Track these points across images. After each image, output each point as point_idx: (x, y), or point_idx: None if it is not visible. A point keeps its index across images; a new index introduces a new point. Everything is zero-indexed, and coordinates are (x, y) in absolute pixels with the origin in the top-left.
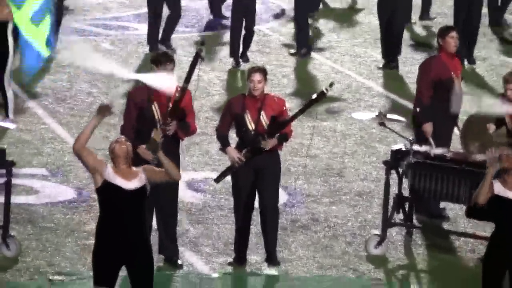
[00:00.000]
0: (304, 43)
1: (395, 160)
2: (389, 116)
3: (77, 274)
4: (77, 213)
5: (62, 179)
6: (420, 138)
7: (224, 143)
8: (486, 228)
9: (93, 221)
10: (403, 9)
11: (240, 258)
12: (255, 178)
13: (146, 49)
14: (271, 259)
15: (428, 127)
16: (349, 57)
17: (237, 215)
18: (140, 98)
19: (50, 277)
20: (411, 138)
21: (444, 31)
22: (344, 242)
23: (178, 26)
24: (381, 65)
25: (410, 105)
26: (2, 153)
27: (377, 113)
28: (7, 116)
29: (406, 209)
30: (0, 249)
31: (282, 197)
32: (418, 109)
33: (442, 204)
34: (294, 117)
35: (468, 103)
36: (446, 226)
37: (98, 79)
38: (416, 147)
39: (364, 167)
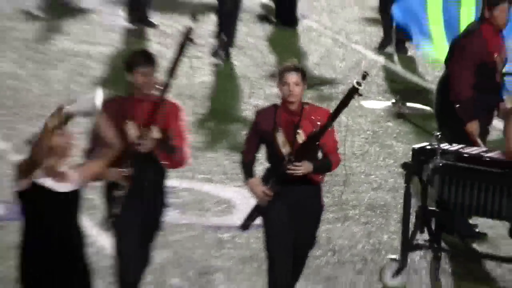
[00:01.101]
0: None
1: (417, 162)
2: (409, 104)
3: None
4: (5, 235)
5: None
6: (454, 138)
7: (247, 173)
8: None
9: None
10: None
11: None
12: (290, 216)
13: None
14: None
15: (474, 126)
16: (355, 27)
17: (273, 258)
18: (112, 113)
19: None
20: (438, 133)
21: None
22: (352, 270)
23: None
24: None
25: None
26: None
27: (394, 101)
28: None
29: (433, 227)
30: None
31: None
32: (457, 105)
33: (480, 221)
34: (325, 127)
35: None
36: (484, 249)
37: (29, 57)
38: (445, 146)
39: (378, 172)
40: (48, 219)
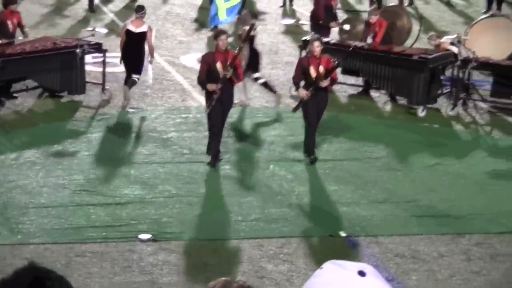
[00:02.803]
0: None
1: (304, 44)
2: (301, 22)
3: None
4: None
5: None
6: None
7: (297, 86)
8: None
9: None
10: None
11: (312, 155)
12: (317, 105)
13: None
14: (314, 155)
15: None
16: None
17: (310, 125)
18: (209, 60)
19: (127, 109)
20: (313, 33)
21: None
22: (279, 89)
23: None
24: None
25: None
26: (100, 44)
27: (294, 21)
28: None
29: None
30: (101, 96)
31: None
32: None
33: None
34: (335, 67)
35: None
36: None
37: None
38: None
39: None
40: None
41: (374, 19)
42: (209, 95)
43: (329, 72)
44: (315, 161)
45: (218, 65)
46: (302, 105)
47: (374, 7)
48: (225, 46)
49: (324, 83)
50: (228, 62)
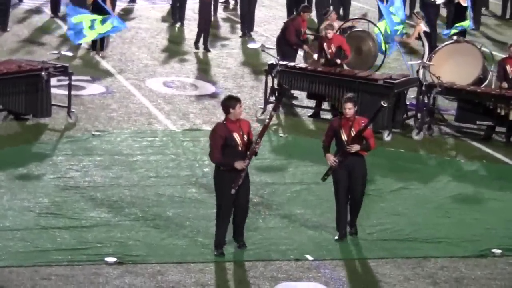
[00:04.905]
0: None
1: (270, 68)
2: (267, 46)
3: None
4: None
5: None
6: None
7: (326, 151)
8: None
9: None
10: None
11: (342, 232)
12: (348, 177)
13: None
14: (354, 228)
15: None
16: None
17: (338, 200)
18: (223, 132)
19: (93, 133)
20: (278, 57)
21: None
22: (245, 113)
23: None
24: None
25: None
26: (65, 67)
27: (260, 45)
28: None
29: (277, 94)
30: (66, 119)
31: None
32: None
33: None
34: (364, 128)
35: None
36: (296, 102)
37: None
38: (281, 62)
39: (258, 75)
40: None
41: (331, 34)
42: (232, 174)
43: (356, 135)
44: (356, 234)
45: (236, 136)
46: (332, 173)
47: (328, 23)
48: (239, 116)
49: (353, 149)
50: (258, 133)
